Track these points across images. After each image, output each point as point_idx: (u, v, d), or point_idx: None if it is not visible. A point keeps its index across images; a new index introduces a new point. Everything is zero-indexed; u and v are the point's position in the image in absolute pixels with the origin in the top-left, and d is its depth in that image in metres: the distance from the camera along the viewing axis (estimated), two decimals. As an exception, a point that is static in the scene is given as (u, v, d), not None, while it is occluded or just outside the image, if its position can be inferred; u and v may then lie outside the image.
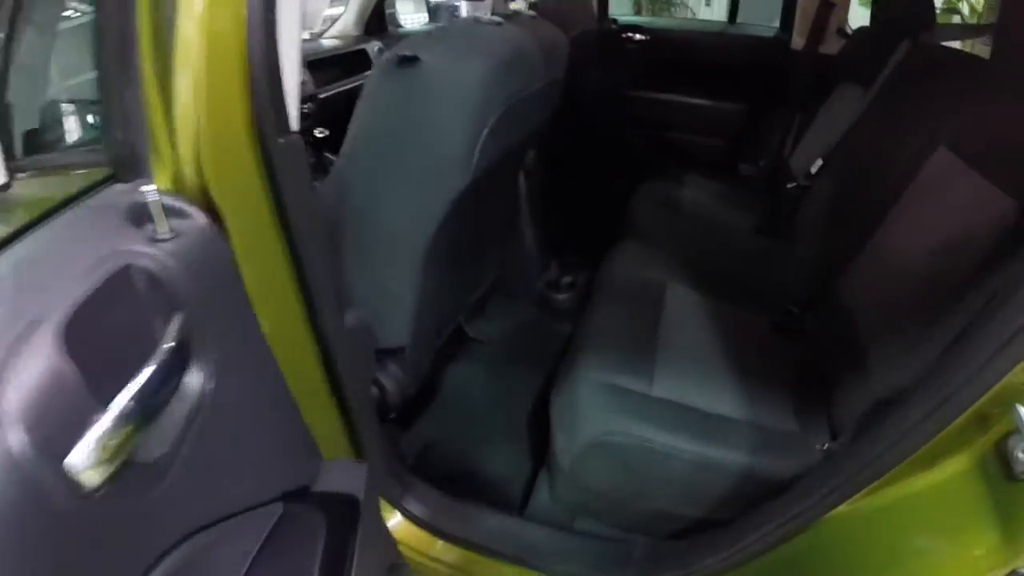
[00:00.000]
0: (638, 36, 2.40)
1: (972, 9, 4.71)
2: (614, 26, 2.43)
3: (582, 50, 1.89)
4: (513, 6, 1.36)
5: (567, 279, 1.86)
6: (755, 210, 1.96)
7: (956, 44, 2.12)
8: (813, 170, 1.81)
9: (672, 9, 8.16)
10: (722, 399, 1.14)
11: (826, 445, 1.05)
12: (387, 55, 0.96)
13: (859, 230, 1.33)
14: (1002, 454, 0.66)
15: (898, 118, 1.43)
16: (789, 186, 1.87)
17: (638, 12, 6.95)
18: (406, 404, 1.21)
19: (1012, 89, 1.09)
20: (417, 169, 0.99)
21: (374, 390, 1.13)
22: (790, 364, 1.28)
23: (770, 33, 2.42)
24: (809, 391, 1.20)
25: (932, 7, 1.69)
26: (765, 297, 1.48)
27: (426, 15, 2.54)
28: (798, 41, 2.30)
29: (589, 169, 2.39)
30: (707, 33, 2.53)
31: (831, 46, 2.22)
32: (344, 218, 1.03)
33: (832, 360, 1.23)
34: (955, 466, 0.71)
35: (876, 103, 1.65)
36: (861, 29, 2.07)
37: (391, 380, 1.15)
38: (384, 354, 1.14)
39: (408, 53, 0.93)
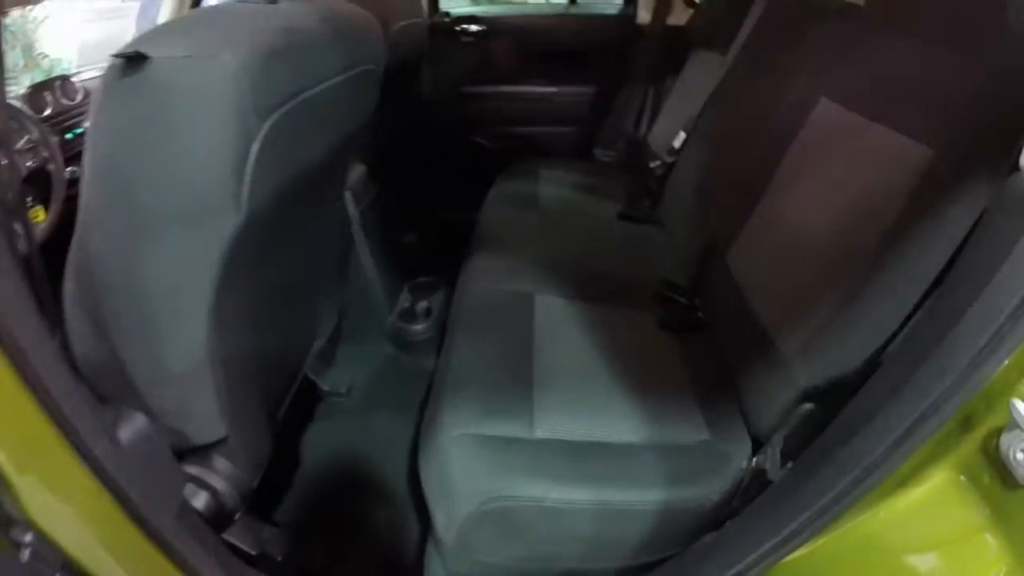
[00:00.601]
0: (474, 27, 2.19)
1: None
2: (447, 19, 2.21)
3: (412, 46, 1.71)
4: None
5: (422, 305, 1.63)
6: (618, 196, 1.81)
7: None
8: (676, 144, 1.69)
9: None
10: (618, 423, 0.96)
11: (754, 461, 0.90)
12: (111, 60, 0.68)
13: (742, 199, 1.20)
14: (992, 457, 0.53)
15: (767, 75, 1.32)
16: (652, 165, 1.74)
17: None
18: (258, 491, 0.95)
19: (891, 29, 1.01)
20: (168, 213, 0.71)
21: (203, 496, 0.86)
22: (688, 363, 1.12)
23: (614, 10, 2.28)
24: (716, 391, 1.05)
25: None
26: (645, 289, 1.32)
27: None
28: (644, 16, 2.19)
29: (434, 177, 2.20)
30: (548, 17, 2.35)
31: (679, 17, 2.12)
32: (99, 295, 0.74)
33: (735, 350, 1.09)
34: (938, 478, 0.58)
35: (738, 65, 1.54)
36: None
37: (221, 479, 0.88)
38: (206, 450, 0.87)
39: (132, 51, 0.65)
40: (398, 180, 1.75)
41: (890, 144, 0.89)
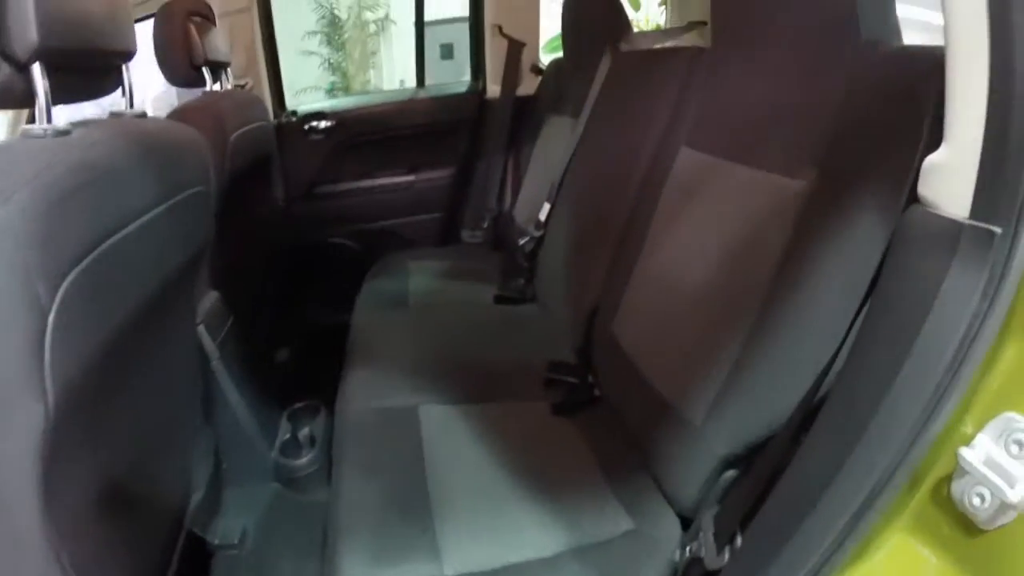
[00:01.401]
0: (322, 124, 2.13)
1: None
2: (294, 119, 2.13)
3: (257, 152, 1.64)
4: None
5: (304, 433, 1.51)
6: (492, 277, 1.78)
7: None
8: (542, 216, 1.68)
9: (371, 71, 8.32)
10: (532, 537, 0.88)
11: (688, 549, 0.84)
12: None
13: (617, 263, 1.18)
14: (946, 507, 0.50)
15: (622, 132, 1.33)
16: (521, 242, 1.72)
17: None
18: None
19: (742, 66, 1.01)
20: None
21: None
22: (592, 446, 1.07)
23: (463, 88, 2.30)
24: (628, 471, 1.00)
25: (623, 14, 1.66)
26: (533, 376, 1.27)
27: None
28: (493, 89, 2.21)
29: (299, 286, 2.09)
30: (397, 103, 2.32)
31: (529, 86, 2.16)
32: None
33: (639, 423, 1.05)
34: (895, 540, 0.53)
35: (591, 126, 1.56)
36: (556, 61, 2.02)
37: None
38: None
39: None
40: (260, 297, 1.65)
41: (762, 185, 0.88)
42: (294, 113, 2.14)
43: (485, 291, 1.70)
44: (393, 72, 8.27)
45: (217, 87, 1.65)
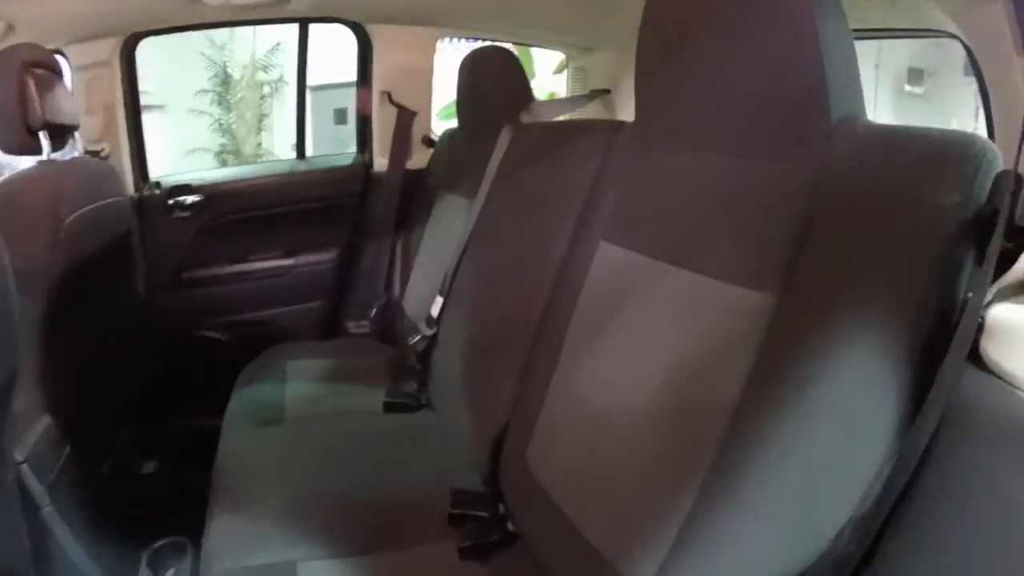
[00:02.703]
0: (189, 199, 1.83)
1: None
2: (157, 191, 1.82)
3: (106, 233, 1.45)
4: None
5: None
6: (380, 376, 1.54)
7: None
8: (434, 312, 1.44)
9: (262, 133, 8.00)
10: None
11: None
12: None
13: (528, 377, 1.01)
14: None
15: (523, 219, 1.16)
16: (412, 340, 1.46)
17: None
18: None
19: (675, 148, 0.86)
20: None
21: None
22: None
23: (347, 160, 2.06)
24: None
25: (524, 80, 1.52)
26: (434, 510, 1.04)
27: None
28: (381, 162, 2.00)
29: (167, 390, 1.77)
30: (273, 176, 2.03)
31: (420, 159, 1.96)
32: None
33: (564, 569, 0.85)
34: None
35: (488, 209, 1.37)
36: (449, 132, 1.84)
37: None
38: None
39: None
40: (116, 406, 1.45)
41: (714, 296, 0.72)
42: (157, 185, 1.84)
43: (373, 395, 1.45)
44: (285, 136, 8.01)
45: (60, 155, 1.38)
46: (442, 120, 3.31)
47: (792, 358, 0.61)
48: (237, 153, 8.11)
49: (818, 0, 0.65)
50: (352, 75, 2.02)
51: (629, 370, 0.82)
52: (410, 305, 1.70)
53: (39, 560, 1.01)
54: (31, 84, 1.23)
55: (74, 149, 1.51)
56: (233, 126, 8.08)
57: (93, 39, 1.66)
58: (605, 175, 1.00)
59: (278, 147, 7.98)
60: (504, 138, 1.40)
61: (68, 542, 1.10)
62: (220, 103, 8.02)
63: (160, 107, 7.82)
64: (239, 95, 8.05)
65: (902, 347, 0.54)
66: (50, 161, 1.31)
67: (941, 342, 0.53)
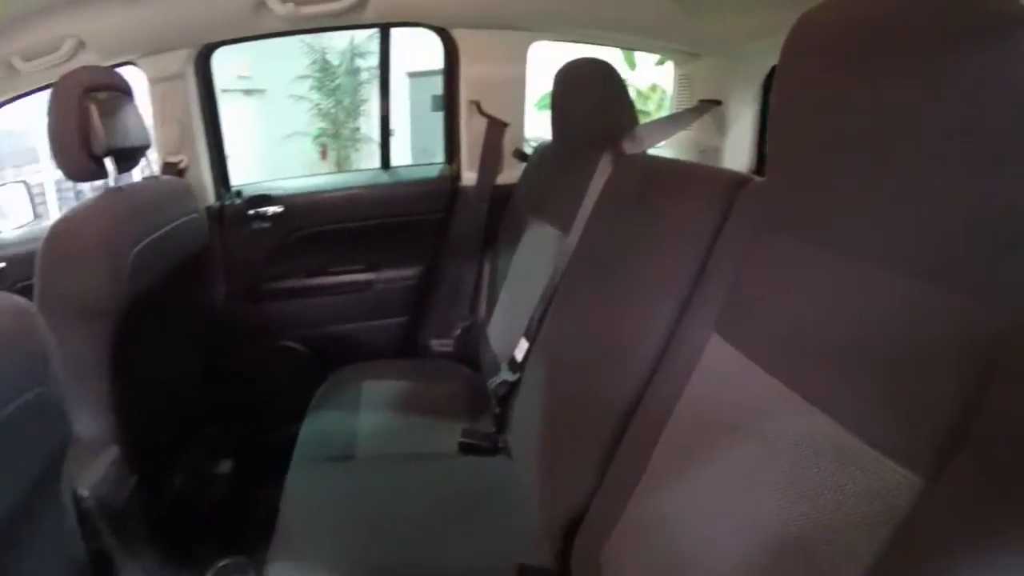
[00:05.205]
0: (270, 210, 1.79)
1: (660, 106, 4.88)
2: (238, 201, 1.79)
3: (180, 253, 1.46)
4: None
5: None
6: (460, 404, 1.47)
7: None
8: (519, 355, 1.33)
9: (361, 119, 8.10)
10: None
11: None
12: None
13: (613, 468, 0.88)
14: None
15: (624, 278, 1.00)
16: (492, 384, 1.36)
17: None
18: None
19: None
20: None
21: None
22: None
23: (433, 172, 1.95)
24: None
25: (628, 102, 1.35)
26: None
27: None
28: (469, 176, 1.87)
29: (243, 396, 1.77)
30: (356, 188, 1.95)
31: (512, 173, 1.82)
32: None
33: None
34: None
35: (582, 252, 1.22)
36: (542, 148, 1.70)
37: None
38: None
39: None
40: (179, 426, 1.44)
41: (846, 454, 0.55)
42: (239, 194, 1.81)
43: (449, 431, 1.36)
44: (382, 121, 8.12)
45: (128, 178, 1.36)
46: (539, 111, 3.11)
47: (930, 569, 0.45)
48: (336, 136, 8.32)
49: None
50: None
51: (729, 512, 0.66)
52: (494, 335, 1.59)
53: None
54: (93, 110, 1.19)
55: (147, 166, 1.48)
56: (332, 111, 8.27)
57: (165, 51, 1.63)
58: (722, 245, 0.83)
59: (375, 132, 8.08)
60: (603, 168, 1.24)
61: (131, 570, 1.08)
62: (319, 89, 8.18)
63: (260, 91, 8.12)
64: (337, 81, 8.18)
65: None
66: (117, 189, 1.28)
67: None
